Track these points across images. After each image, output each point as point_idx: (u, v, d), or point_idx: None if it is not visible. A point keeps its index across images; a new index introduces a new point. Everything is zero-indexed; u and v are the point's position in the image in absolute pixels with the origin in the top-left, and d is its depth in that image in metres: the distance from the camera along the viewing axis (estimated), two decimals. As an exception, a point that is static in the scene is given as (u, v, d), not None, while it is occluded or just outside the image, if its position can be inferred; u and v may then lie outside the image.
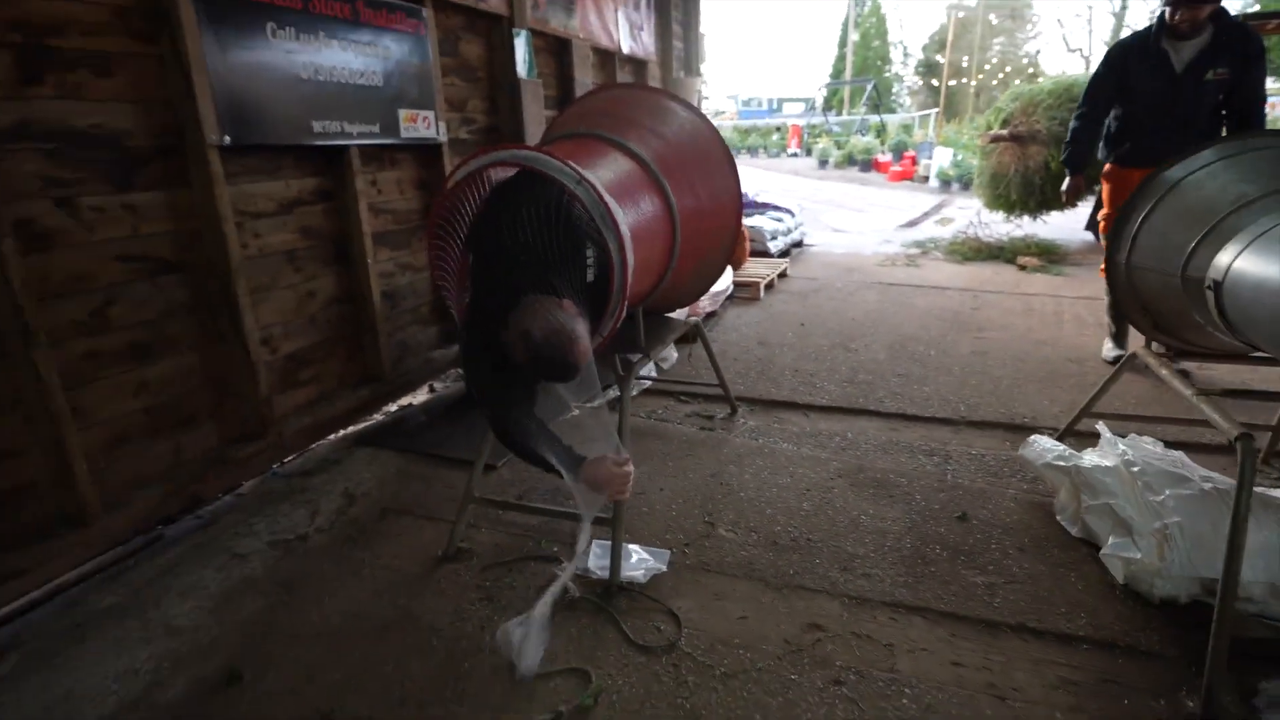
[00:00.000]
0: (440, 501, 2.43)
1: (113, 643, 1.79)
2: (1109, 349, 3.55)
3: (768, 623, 1.77)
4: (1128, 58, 3.05)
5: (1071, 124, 3.33)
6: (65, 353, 1.96)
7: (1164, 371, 2.06)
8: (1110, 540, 1.91)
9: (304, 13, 2.51)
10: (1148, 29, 3.00)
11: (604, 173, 1.86)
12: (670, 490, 2.44)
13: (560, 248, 1.59)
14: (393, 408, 3.35)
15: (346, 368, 3.04)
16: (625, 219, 1.72)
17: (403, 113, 3.06)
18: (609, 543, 2.00)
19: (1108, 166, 3.27)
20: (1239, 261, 1.68)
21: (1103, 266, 2.92)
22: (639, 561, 2.00)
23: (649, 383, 3.43)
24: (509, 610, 1.84)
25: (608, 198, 1.66)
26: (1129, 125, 3.12)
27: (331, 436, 2.98)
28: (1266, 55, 2.92)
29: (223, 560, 2.12)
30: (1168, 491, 1.85)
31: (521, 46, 3.83)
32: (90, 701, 1.60)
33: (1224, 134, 2.97)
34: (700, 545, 2.11)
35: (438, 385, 3.70)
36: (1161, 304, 2.06)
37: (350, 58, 2.73)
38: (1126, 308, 2.25)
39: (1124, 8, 30.32)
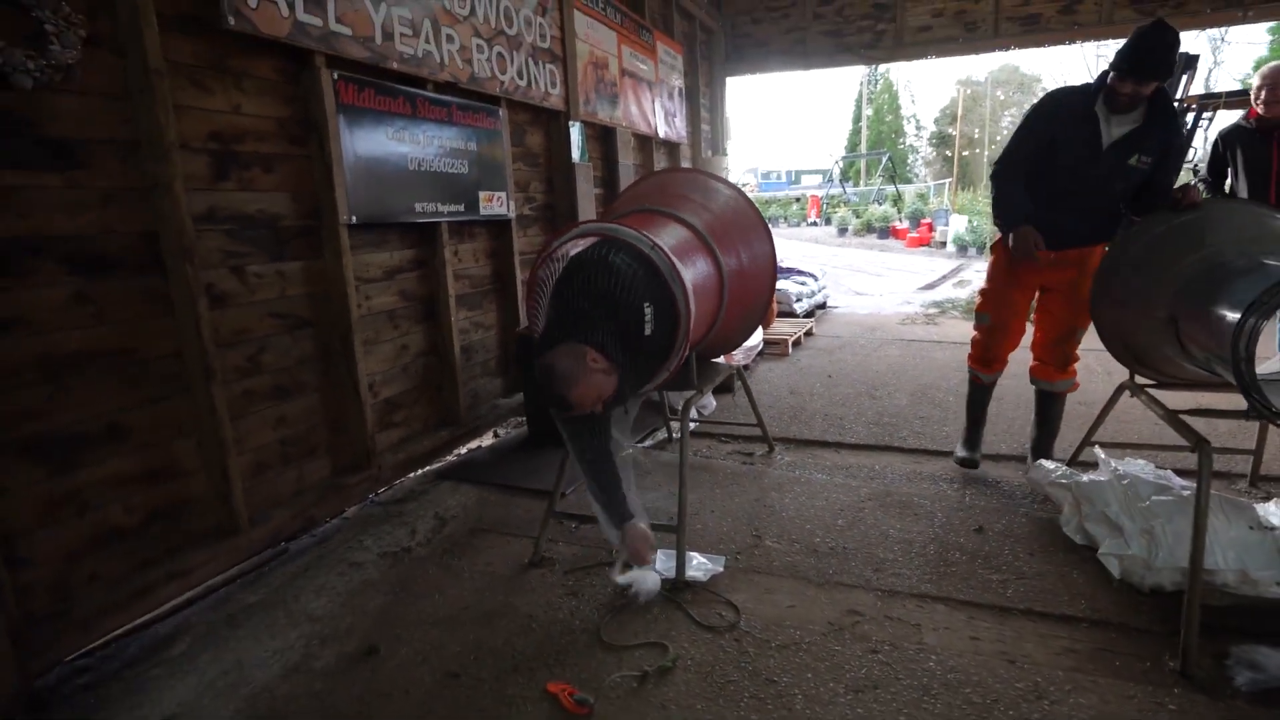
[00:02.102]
0: (520, 522, 2.80)
1: (265, 628, 2.16)
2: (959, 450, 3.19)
3: (813, 610, 2.10)
4: (1058, 114, 2.70)
5: (991, 190, 2.86)
6: (230, 391, 2.43)
7: (1143, 396, 2.41)
8: (1106, 541, 2.22)
9: (413, 117, 3.09)
10: (1088, 88, 2.67)
11: (668, 239, 2.31)
12: (719, 511, 2.78)
13: (607, 308, 1.92)
14: (463, 450, 3.76)
15: (429, 411, 3.48)
16: (689, 276, 2.16)
17: (482, 194, 3.61)
18: (671, 550, 2.36)
19: (998, 238, 2.90)
20: (1187, 302, 2.06)
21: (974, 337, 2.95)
22: (699, 565, 2.34)
23: (694, 425, 3.81)
24: (593, 603, 2.19)
25: (674, 259, 2.10)
26: (1041, 189, 2.74)
27: (417, 471, 3.39)
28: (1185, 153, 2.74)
29: (343, 568, 2.50)
30: (1152, 497, 2.18)
31: (576, 136, 4.43)
32: (257, 668, 1.96)
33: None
34: (750, 553, 2.45)
35: (500, 431, 4.11)
36: (1138, 340, 2.42)
37: (445, 150, 3.29)
38: (1111, 346, 2.61)
39: (1129, 79, 31.29)
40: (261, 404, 2.57)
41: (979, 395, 3.13)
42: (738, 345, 3.20)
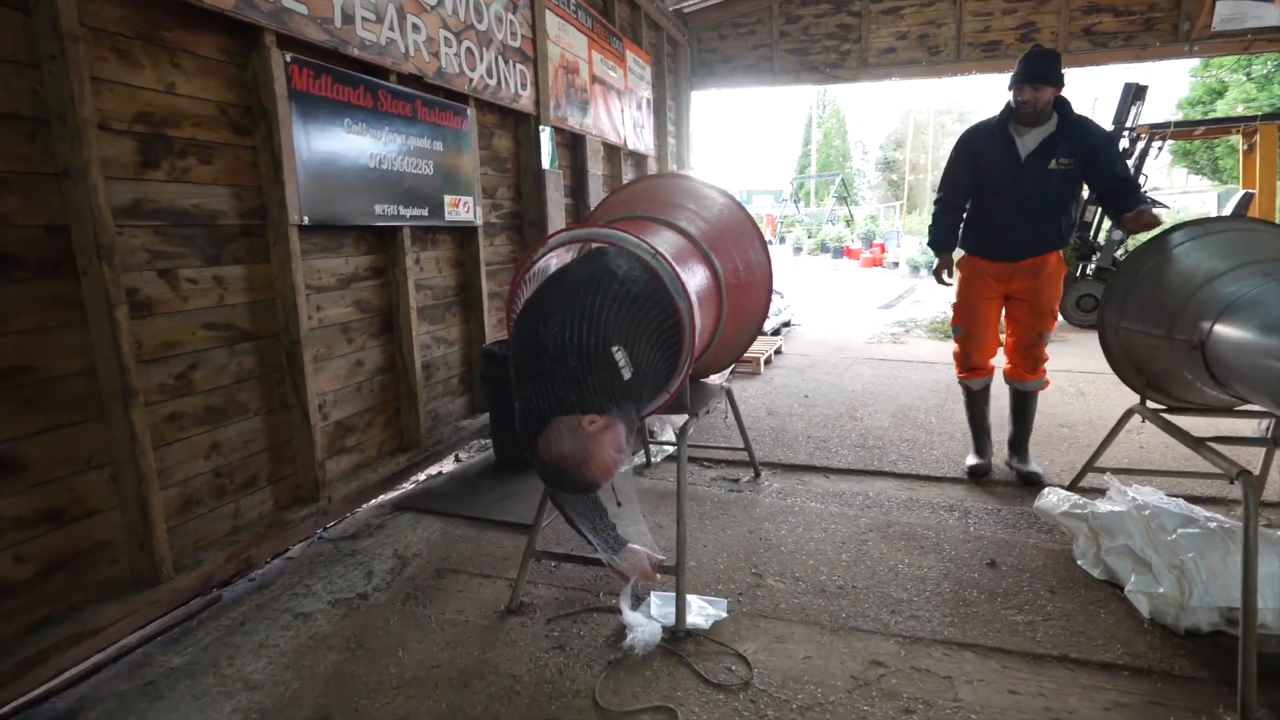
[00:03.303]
0: (492, 560, 2.51)
1: (192, 699, 1.81)
2: (971, 459, 3.27)
3: (831, 661, 1.88)
4: (979, 140, 3.01)
5: (933, 209, 3.25)
6: (154, 414, 2.07)
7: (1162, 422, 2.30)
8: (1133, 578, 2.08)
9: (373, 110, 2.79)
10: (994, 117, 3.00)
11: (665, 247, 2.09)
12: (713, 546, 2.55)
13: (582, 358, 1.64)
14: (423, 476, 3.43)
15: (386, 435, 3.15)
16: (692, 286, 1.94)
17: (447, 198, 3.32)
18: (669, 593, 2.11)
19: (961, 255, 3.19)
20: (1218, 325, 1.95)
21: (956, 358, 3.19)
22: (699, 609, 2.10)
23: (671, 449, 3.58)
24: (583, 657, 1.92)
25: (678, 267, 1.88)
26: (978, 211, 3.08)
27: (372, 502, 3.05)
28: (1117, 145, 3.13)
29: (287, 620, 2.16)
30: (1179, 531, 2.05)
31: (546, 141, 4.19)
32: (181, 753, 1.62)
33: (1079, 218, 3.05)
34: (752, 594, 2.22)
35: (463, 455, 3.79)
36: (1154, 364, 2.32)
37: (408, 149, 3.00)
38: (1120, 369, 2.51)
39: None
40: (192, 429, 2.21)
41: (974, 403, 3.25)
42: (730, 364, 2.99)
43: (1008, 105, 2.94)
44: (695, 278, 2.17)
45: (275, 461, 2.53)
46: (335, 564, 2.51)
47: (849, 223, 20.56)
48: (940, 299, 7.94)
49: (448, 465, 3.64)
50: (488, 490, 3.17)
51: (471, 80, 3.45)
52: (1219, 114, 17.80)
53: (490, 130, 3.87)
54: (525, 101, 4.00)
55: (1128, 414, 2.53)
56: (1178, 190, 21.05)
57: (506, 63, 3.77)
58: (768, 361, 5.67)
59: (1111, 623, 2.01)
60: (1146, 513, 2.15)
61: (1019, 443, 3.18)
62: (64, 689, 1.85)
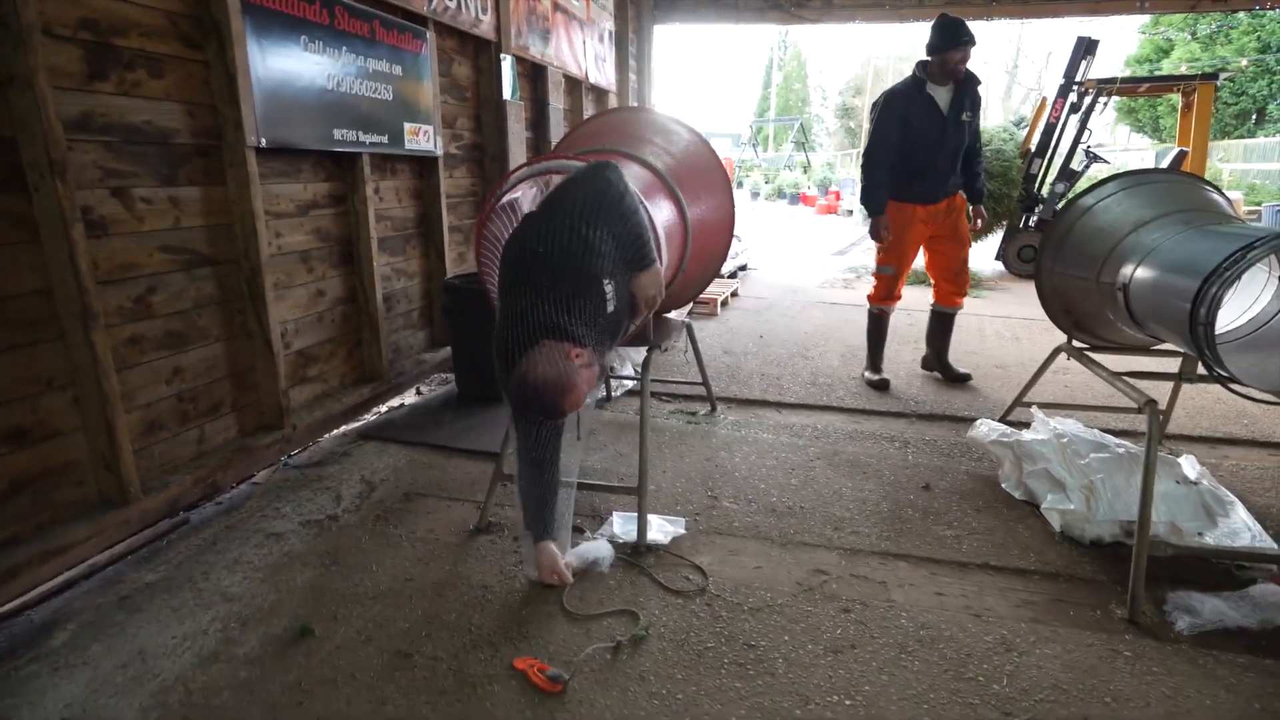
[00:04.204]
0: (458, 485, 2.59)
1: (169, 610, 1.87)
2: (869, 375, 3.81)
3: (780, 570, 2.05)
4: (907, 103, 3.39)
5: (863, 169, 3.57)
6: (114, 337, 2.05)
7: (1085, 359, 2.51)
8: (1049, 497, 2.31)
9: (330, 28, 2.69)
10: (912, 78, 3.43)
11: (632, 184, 2.13)
12: (672, 472, 2.69)
13: (577, 284, 1.69)
14: (384, 408, 3.46)
15: (348, 366, 3.16)
16: (659, 220, 2.00)
17: (407, 126, 3.25)
18: (632, 513, 2.24)
19: (890, 203, 3.48)
20: (1139, 270, 2.13)
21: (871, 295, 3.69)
22: (659, 527, 2.24)
23: (631, 383, 3.69)
24: (550, 569, 2.04)
25: (647, 203, 1.93)
26: (909, 164, 3.41)
27: (336, 431, 3.08)
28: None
29: (260, 539, 2.21)
30: (1091, 455, 2.27)
31: (508, 70, 4.08)
32: (165, 658, 1.69)
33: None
34: (709, 514, 2.38)
35: (424, 388, 3.82)
36: (1082, 306, 2.51)
37: (367, 71, 2.91)
38: (1051, 311, 2.70)
39: (1015, 66, 33.50)
40: (153, 353, 2.20)
41: (883, 326, 3.83)
42: (691, 300, 3.08)
43: (921, 67, 3.41)
44: (662, 213, 2.22)
45: (238, 389, 2.53)
46: (303, 489, 2.55)
47: (806, 169, 20.61)
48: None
49: (409, 398, 3.68)
50: (450, 421, 3.23)
51: (431, 2, 3.33)
52: (1163, 72, 18.31)
53: (450, 56, 3.76)
54: (486, 27, 3.88)
55: (1055, 352, 2.74)
56: (1119, 148, 21.73)
57: (467, -16, 3.63)
58: (724, 303, 5.79)
59: (1028, 536, 2.24)
60: (1064, 440, 2.38)
61: (943, 356, 3.87)
62: (39, 602, 1.88)
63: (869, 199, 3.52)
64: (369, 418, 3.36)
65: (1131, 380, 2.19)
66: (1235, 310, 2.20)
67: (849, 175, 17.93)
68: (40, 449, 1.89)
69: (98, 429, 1.99)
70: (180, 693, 1.58)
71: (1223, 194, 2.41)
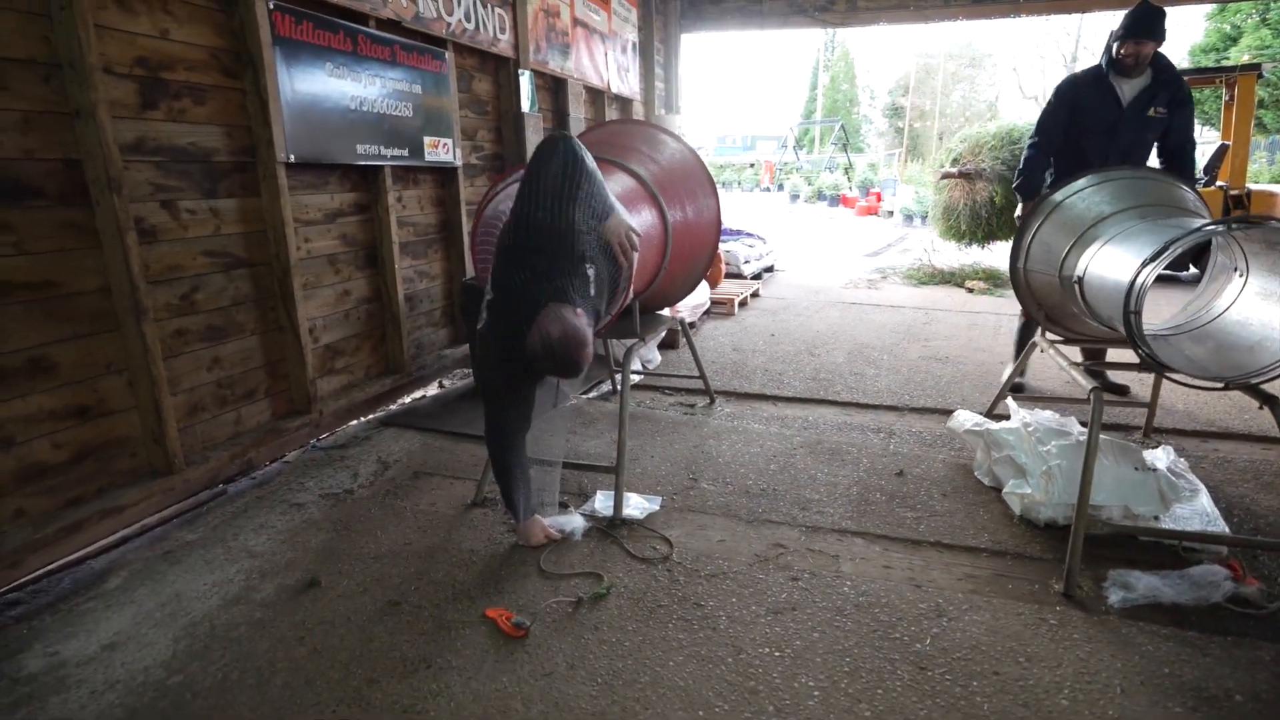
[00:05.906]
0: (463, 467, 2.85)
1: (203, 563, 2.17)
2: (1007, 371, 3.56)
3: (741, 544, 2.23)
4: (1078, 90, 3.25)
5: (1025, 154, 3.42)
6: (162, 329, 2.37)
7: (1052, 350, 2.59)
8: (1010, 482, 2.41)
9: (353, 54, 3.00)
10: (1097, 66, 3.25)
11: (614, 187, 2.34)
12: (659, 456, 2.89)
13: (570, 265, 1.90)
14: (407, 399, 3.76)
15: (373, 359, 3.46)
16: (641, 225, 2.20)
17: (427, 139, 3.54)
18: (610, 491, 2.45)
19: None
20: (1091, 264, 2.22)
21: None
22: (636, 504, 2.44)
23: (638, 378, 3.90)
24: (532, 538, 2.27)
25: (621, 202, 2.14)
26: (1075, 157, 3.24)
27: (359, 419, 3.38)
28: (1194, 104, 3.34)
29: (284, 508, 2.51)
30: (1053, 443, 2.36)
31: (526, 85, 4.36)
32: (197, 600, 1.98)
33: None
34: (686, 494, 2.57)
35: (446, 382, 4.11)
36: (1050, 299, 2.60)
37: (388, 92, 3.21)
38: (1026, 304, 2.78)
39: (1075, 59, 32.31)
40: (196, 344, 2.52)
41: (1030, 327, 3.48)
42: (680, 298, 3.27)
43: (1108, 54, 3.19)
44: (640, 218, 2.42)
45: (271, 377, 2.85)
46: (326, 467, 2.85)
47: (848, 170, 20.43)
48: (924, 247, 8.12)
49: (431, 390, 3.97)
50: (465, 410, 3.50)
51: (449, 24, 3.62)
52: (1230, 62, 17.43)
53: (470, 73, 4.05)
54: (504, 45, 4.15)
55: (1031, 346, 2.82)
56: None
57: (485, 6, 3.92)
58: (743, 304, 5.93)
59: (987, 518, 2.35)
60: (1030, 428, 2.47)
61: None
62: (98, 554, 2.20)
63: (1020, 185, 3.39)
64: (392, 407, 3.65)
65: (1122, 372, 2.28)
66: (1220, 304, 2.23)
67: (891, 176, 17.72)
68: (100, 423, 2.22)
69: (148, 408, 2.32)
70: (206, 627, 1.86)
71: (1195, 189, 2.47)
